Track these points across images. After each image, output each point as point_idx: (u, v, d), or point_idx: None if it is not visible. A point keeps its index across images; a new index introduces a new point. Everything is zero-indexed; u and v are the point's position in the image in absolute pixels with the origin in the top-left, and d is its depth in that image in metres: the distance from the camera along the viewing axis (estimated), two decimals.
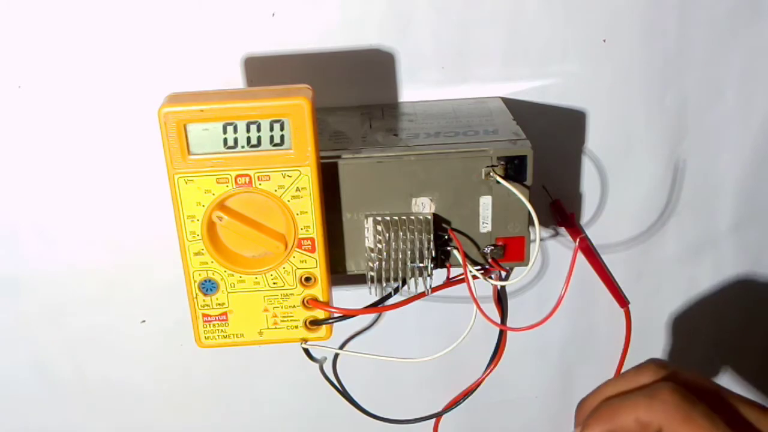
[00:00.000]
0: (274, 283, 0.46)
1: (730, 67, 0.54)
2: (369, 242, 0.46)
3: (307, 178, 0.43)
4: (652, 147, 0.56)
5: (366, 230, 0.46)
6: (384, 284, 0.47)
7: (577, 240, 0.54)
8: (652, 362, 0.41)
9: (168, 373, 0.61)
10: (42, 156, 0.52)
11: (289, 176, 0.43)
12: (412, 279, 0.46)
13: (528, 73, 0.53)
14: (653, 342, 0.63)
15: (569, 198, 0.57)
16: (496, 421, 0.66)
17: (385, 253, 0.46)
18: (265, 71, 0.51)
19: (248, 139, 0.42)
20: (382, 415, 0.54)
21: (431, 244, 0.46)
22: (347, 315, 0.47)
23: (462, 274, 0.47)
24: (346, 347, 0.59)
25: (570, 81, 0.53)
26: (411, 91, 0.53)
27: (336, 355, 0.56)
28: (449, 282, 0.48)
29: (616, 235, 0.59)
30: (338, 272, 0.47)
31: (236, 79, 0.51)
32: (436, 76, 0.52)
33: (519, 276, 0.48)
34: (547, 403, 0.65)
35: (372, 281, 0.46)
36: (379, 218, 0.46)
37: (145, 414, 0.63)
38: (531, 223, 0.46)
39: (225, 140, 0.42)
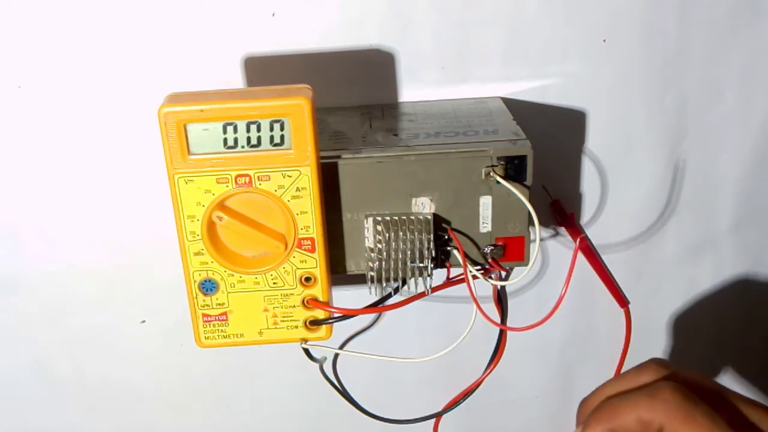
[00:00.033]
0: (274, 283, 0.46)
1: (730, 67, 0.54)
2: (369, 242, 0.46)
3: (307, 178, 0.43)
4: (652, 147, 0.56)
5: (366, 230, 0.46)
6: (384, 284, 0.47)
7: (577, 240, 0.54)
8: (653, 362, 0.40)
9: (168, 373, 0.61)
10: (42, 156, 0.52)
11: (289, 176, 0.43)
12: (412, 279, 0.46)
13: (528, 73, 0.53)
14: (653, 342, 0.63)
15: (569, 198, 0.57)
16: (496, 421, 0.66)
17: (385, 253, 0.46)
18: (265, 71, 0.51)
19: (248, 139, 0.42)
20: (382, 415, 0.54)
21: (431, 244, 0.46)
22: (347, 315, 0.47)
23: (462, 274, 0.47)
24: (346, 347, 0.59)
25: (570, 81, 0.53)
26: (411, 91, 0.53)
27: (336, 355, 0.56)
28: (449, 282, 0.48)
29: (616, 235, 0.59)
30: (338, 272, 0.47)
31: (236, 79, 0.51)
32: (436, 76, 0.52)
33: (519, 276, 0.48)
34: (547, 403, 0.65)
35: (372, 281, 0.46)
36: (379, 218, 0.46)
37: (145, 414, 0.63)
38: (531, 223, 0.46)
39: (225, 140, 0.42)
